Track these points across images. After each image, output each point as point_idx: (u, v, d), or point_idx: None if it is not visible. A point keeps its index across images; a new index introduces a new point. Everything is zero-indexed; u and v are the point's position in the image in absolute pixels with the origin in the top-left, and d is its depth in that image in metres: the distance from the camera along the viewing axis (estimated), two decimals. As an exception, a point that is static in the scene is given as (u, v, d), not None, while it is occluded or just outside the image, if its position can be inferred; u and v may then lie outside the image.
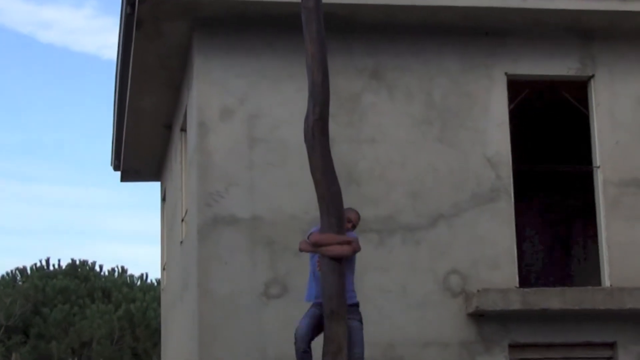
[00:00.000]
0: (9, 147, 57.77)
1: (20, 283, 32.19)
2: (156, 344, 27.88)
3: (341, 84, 10.26)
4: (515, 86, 10.90)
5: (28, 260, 59.10)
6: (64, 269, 32.88)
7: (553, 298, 10.10)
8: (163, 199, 15.58)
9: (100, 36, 68.99)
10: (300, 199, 9.94)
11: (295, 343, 7.53)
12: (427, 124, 10.48)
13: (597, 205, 10.77)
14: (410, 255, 10.22)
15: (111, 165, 16.16)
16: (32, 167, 60.84)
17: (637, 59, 10.89)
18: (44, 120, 63.95)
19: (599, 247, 10.73)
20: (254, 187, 10.13)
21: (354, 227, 7.81)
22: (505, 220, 10.43)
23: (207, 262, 9.98)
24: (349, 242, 7.26)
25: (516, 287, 10.29)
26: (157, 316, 27.07)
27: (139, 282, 33.15)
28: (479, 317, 10.18)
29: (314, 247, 7.26)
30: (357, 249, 7.38)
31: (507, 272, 10.32)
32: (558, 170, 13.19)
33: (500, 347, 10.22)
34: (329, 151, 7.36)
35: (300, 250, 7.53)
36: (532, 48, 10.71)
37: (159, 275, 24.37)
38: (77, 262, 33.30)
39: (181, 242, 12.15)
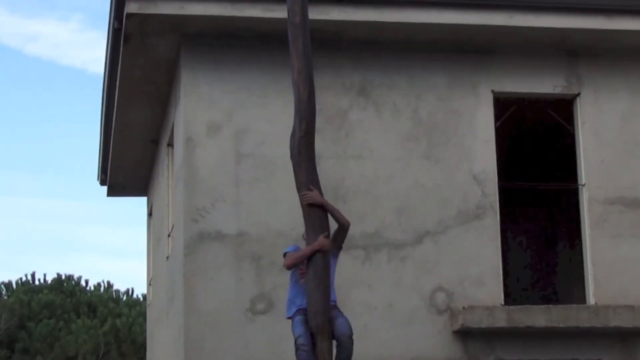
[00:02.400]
0: (-5, 160, 57.58)
1: (5, 297, 32.04)
2: (142, 359, 27.77)
3: (328, 100, 10.29)
4: (502, 103, 10.95)
5: (13, 274, 58.87)
6: (50, 284, 32.74)
7: (538, 316, 10.12)
8: (149, 214, 15.55)
9: (87, 50, 68.98)
10: (286, 214, 9.94)
11: (297, 350, 7.10)
12: (414, 141, 10.51)
13: (582, 223, 10.80)
14: (396, 271, 10.23)
15: (98, 179, 16.12)
16: (18, 180, 60.66)
17: (623, 78, 10.96)
18: (31, 133, 63.80)
19: (584, 265, 10.76)
20: (240, 203, 10.13)
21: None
22: (491, 237, 10.45)
23: (193, 277, 9.96)
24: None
25: (502, 304, 10.31)
26: (143, 331, 26.98)
27: (124, 297, 33.02)
28: (465, 334, 10.18)
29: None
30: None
31: (493, 289, 10.33)
32: (544, 187, 13.23)
33: (486, 364, 10.22)
34: (315, 167, 7.37)
35: (289, 267, 7.39)
36: (518, 66, 10.76)
37: (144, 291, 24.30)
38: (63, 277, 33.17)
39: (167, 257, 12.13)
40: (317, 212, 7.31)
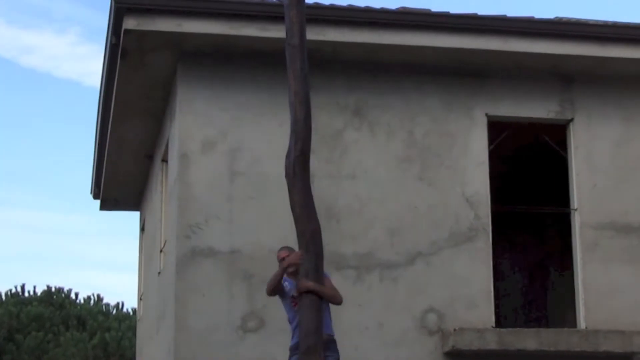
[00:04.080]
0: (-12, 171, 57.39)
1: (-6, 309, 31.85)
2: (130, 374, 27.66)
3: (323, 120, 10.33)
4: (496, 127, 11.00)
5: (3, 286, 58.42)
6: (39, 296, 32.57)
7: (529, 339, 10.14)
8: (142, 229, 15.54)
9: (83, 63, 68.85)
10: (279, 233, 9.95)
11: None
12: (408, 162, 10.55)
13: (573, 247, 10.84)
14: (387, 292, 10.24)
15: (91, 193, 16.11)
16: (10, 192, 60.49)
17: (616, 104, 11.03)
18: (23, 144, 63.67)
19: (575, 290, 10.79)
20: (234, 221, 10.15)
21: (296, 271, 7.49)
22: (483, 260, 10.48)
23: (185, 293, 9.96)
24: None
25: (492, 327, 10.33)
26: (132, 346, 26.87)
27: (114, 311, 32.88)
28: (455, 356, 10.19)
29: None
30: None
31: (484, 312, 10.36)
32: (536, 211, 13.27)
33: (475, 387, 10.23)
34: (309, 187, 7.41)
35: (268, 293, 7.45)
36: (512, 90, 10.83)
37: (134, 305, 24.21)
38: (53, 289, 33.02)
39: (159, 272, 12.13)
40: (310, 232, 7.34)
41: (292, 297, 7.52)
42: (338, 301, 7.50)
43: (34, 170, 61.96)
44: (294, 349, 7.50)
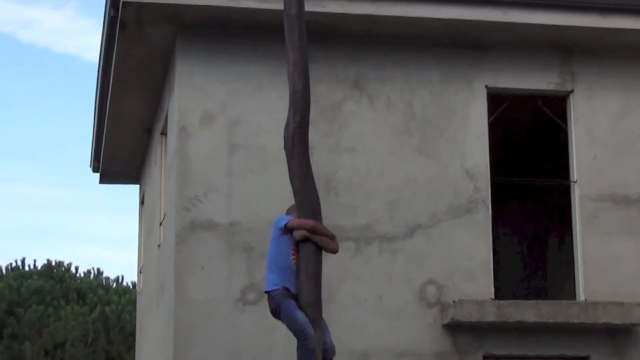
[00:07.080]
0: (-13, 146, 57.32)
1: (-6, 283, 31.92)
2: (130, 347, 27.77)
3: (322, 92, 10.31)
4: (495, 99, 10.97)
5: (3, 260, 58.58)
6: (40, 270, 32.65)
7: (528, 311, 10.16)
8: (142, 202, 15.55)
9: (81, 37, 68.72)
10: (278, 206, 9.91)
11: (305, 339, 6.99)
12: (407, 135, 10.53)
13: (573, 219, 10.84)
14: (386, 264, 10.26)
15: (90, 167, 16.11)
16: (9, 167, 60.50)
17: (616, 76, 10.99)
18: (22, 119, 63.59)
19: (575, 262, 10.81)
20: (233, 193, 10.15)
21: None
22: (482, 232, 10.49)
23: (184, 266, 9.98)
24: (333, 237, 7.24)
25: (491, 299, 10.35)
26: (132, 319, 26.97)
27: (114, 285, 32.98)
28: (454, 328, 10.22)
29: (310, 232, 7.14)
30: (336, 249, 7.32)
31: (483, 284, 10.38)
32: (535, 183, 13.27)
33: (475, 359, 10.26)
34: (308, 159, 7.38)
35: (298, 237, 7.27)
36: (512, 62, 10.79)
37: (134, 278, 24.29)
38: (53, 263, 33.08)
39: (159, 245, 12.14)
40: (309, 204, 7.33)
41: (293, 249, 7.37)
42: (333, 248, 7.35)
43: (33, 145, 61.92)
44: (283, 295, 7.26)
